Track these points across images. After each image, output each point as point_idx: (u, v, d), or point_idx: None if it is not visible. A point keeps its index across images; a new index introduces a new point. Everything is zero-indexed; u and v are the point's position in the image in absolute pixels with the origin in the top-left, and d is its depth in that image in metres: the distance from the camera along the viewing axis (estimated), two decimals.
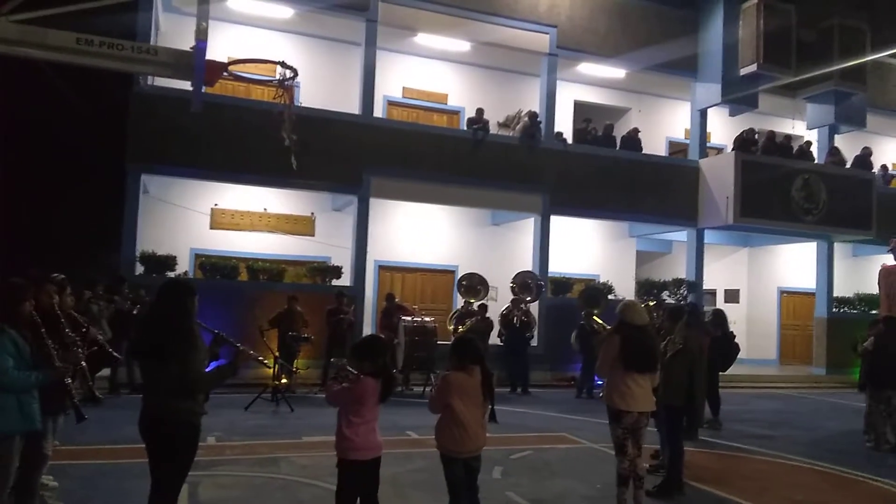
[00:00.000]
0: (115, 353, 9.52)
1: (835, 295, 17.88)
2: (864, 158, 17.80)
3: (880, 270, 13.19)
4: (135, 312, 10.43)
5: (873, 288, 17.73)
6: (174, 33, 13.73)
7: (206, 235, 14.61)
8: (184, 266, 13.59)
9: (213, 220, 14.68)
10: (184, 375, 3.75)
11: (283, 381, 10.59)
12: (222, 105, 13.01)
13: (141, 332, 4.02)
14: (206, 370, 3.95)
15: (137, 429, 3.89)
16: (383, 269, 15.92)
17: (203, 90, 9.55)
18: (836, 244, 18.08)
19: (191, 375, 3.78)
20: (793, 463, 7.88)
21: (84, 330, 5.10)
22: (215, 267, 13.01)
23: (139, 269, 12.53)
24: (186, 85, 8.21)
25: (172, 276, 12.34)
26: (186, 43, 7.91)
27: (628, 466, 5.55)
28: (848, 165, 17.66)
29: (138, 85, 12.72)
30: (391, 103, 16.57)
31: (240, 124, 12.94)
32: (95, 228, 16.89)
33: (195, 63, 7.55)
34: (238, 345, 4.11)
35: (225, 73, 8.83)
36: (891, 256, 13.53)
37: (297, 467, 6.67)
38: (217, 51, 11.94)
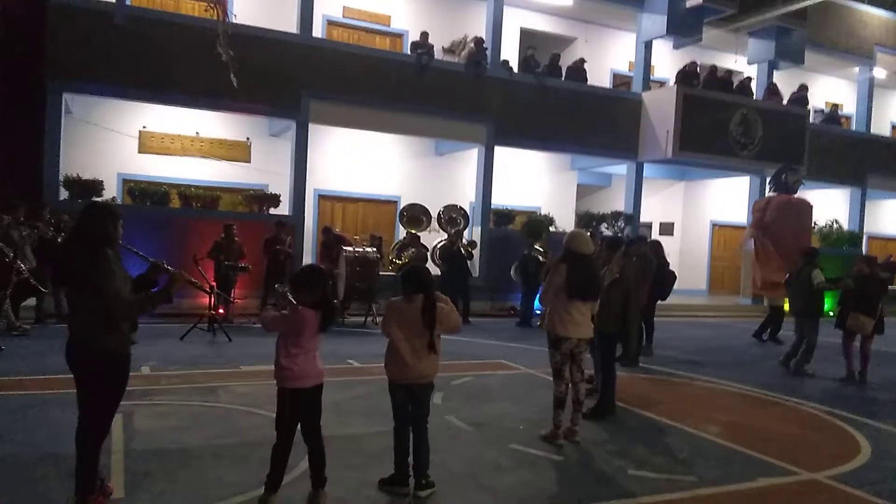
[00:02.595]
0: (37, 284, 9.20)
1: None
2: (800, 95, 18.19)
3: (779, 201, 13.13)
4: (59, 240, 9.91)
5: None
6: None
7: (135, 160, 13.92)
8: (111, 191, 12.98)
9: (141, 143, 13.96)
10: (103, 303, 3.57)
11: (220, 311, 10.37)
12: (150, 19, 12.23)
13: (59, 259, 3.76)
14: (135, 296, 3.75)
15: (65, 359, 3.73)
16: (323, 198, 15.60)
17: (127, 2, 8.94)
18: (767, 179, 18.62)
19: (109, 303, 3.58)
20: (718, 386, 8.26)
21: (8, 260, 4.78)
22: (145, 193, 12.45)
23: (63, 194, 11.88)
24: None
25: (99, 201, 11.77)
26: None
27: (565, 390, 5.70)
28: (784, 102, 18.03)
29: None
30: (331, 23, 15.86)
31: (169, 40, 12.19)
32: (13, 150, 15.86)
33: None
34: (170, 268, 3.91)
35: None
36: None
37: (237, 396, 6.59)
38: None
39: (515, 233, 14.51)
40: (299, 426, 4.07)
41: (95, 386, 3.71)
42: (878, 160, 20.17)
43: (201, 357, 8.41)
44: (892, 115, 23.74)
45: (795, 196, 13.28)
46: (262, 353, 4.09)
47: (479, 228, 15.16)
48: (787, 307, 10.99)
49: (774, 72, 18.62)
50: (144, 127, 13.93)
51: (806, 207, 13.18)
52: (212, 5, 8.20)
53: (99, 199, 11.81)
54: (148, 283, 3.89)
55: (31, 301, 10.04)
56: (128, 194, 12.89)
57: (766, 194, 16.01)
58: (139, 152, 13.95)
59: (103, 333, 3.64)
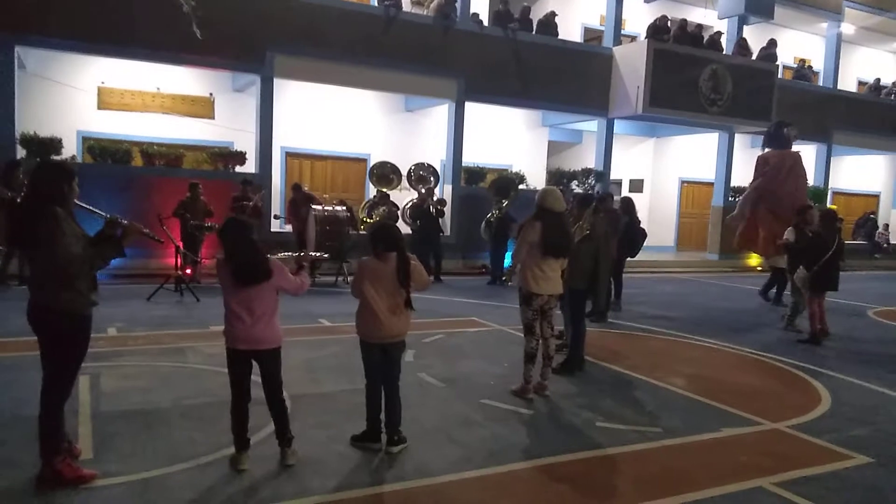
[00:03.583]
0: None
1: (732, 185, 18.75)
2: (769, 50, 18.23)
3: (792, 159, 12.96)
4: (18, 200, 9.58)
5: None
6: None
7: (94, 116, 13.47)
8: (71, 149, 12.57)
9: (100, 99, 13.49)
10: (55, 262, 3.47)
11: (188, 271, 10.21)
12: None
13: (11, 218, 3.64)
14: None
15: (27, 320, 3.65)
16: (290, 156, 15.33)
17: None
18: (736, 135, 18.76)
19: (60, 261, 3.48)
20: (685, 340, 8.42)
21: None
22: (105, 151, 12.08)
23: (21, 152, 11.46)
24: None
25: (59, 159, 11.40)
26: None
27: (535, 345, 5.75)
28: (753, 57, 18.06)
29: None
30: None
31: None
32: None
33: None
34: (123, 220, 3.80)
35: None
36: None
37: (205, 356, 6.52)
38: None
39: (486, 190, 14.45)
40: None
41: (55, 346, 3.65)
42: (843, 116, 20.42)
43: (169, 318, 8.30)
44: (859, 71, 23.98)
45: (789, 150, 13.20)
46: None
47: (451, 186, 15.07)
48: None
49: (744, 27, 18.59)
50: (103, 82, 13.45)
51: (799, 160, 13.12)
52: None
53: (59, 158, 11.44)
54: (106, 240, 3.78)
55: None
56: (88, 152, 12.51)
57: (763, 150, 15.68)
58: (98, 108, 13.50)
59: (59, 293, 3.56)
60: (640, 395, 5.98)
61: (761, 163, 12.97)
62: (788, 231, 9.04)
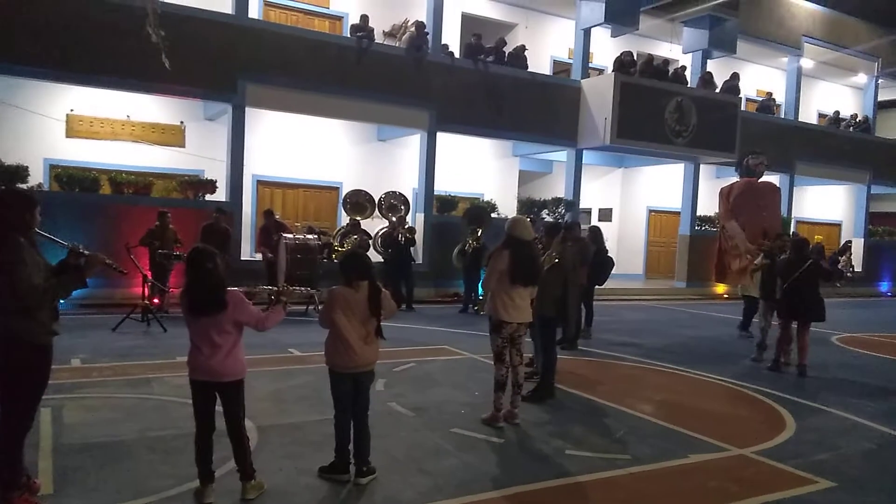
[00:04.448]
0: None
1: (698, 214, 19.14)
2: (733, 84, 18.77)
3: (744, 185, 13.18)
4: None
5: None
6: None
7: (62, 144, 13.30)
8: (37, 177, 12.38)
9: (68, 127, 13.35)
10: (14, 292, 3.42)
11: (155, 300, 10.07)
12: None
13: None
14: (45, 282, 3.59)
15: None
16: (262, 184, 15.28)
17: None
18: (701, 166, 19.20)
19: (19, 291, 3.42)
20: (655, 367, 8.52)
21: None
22: (73, 179, 11.91)
23: None
24: None
25: (24, 188, 11.23)
26: None
27: (506, 373, 5.77)
28: (717, 90, 18.58)
29: None
30: (268, 4, 15.51)
31: (96, 20, 11.64)
32: None
33: None
34: (85, 251, 3.76)
35: None
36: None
37: (172, 387, 6.41)
38: None
39: (458, 219, 14.55)
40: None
41: (14, 378, 3.57)
42: (805, 147, 21.04)
43: (135, 348, 8.16)
44: (819, 103, 24.79)
45: (760, 180, 13.48)
46: None
47: (423, 215, 15.14)
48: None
49: (708, 60, 19.15)
50: (72, 110, 13.32)
51: (769, 190, 13.35)
52: None
53: (25, 187, 11.27)
54: (69, 270, 3.74)
55: None
56: (55, 180, 12.33)
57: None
58: (67, 136, 13.34)
59: (18, 322, 3.49)
60: (610, 422, 6.02)
61: (721, 195, 13.32)
62: (759, 257, 9.23)
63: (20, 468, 3.70)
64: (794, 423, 6.20)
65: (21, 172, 11.34)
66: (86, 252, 3.77)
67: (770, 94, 21.47)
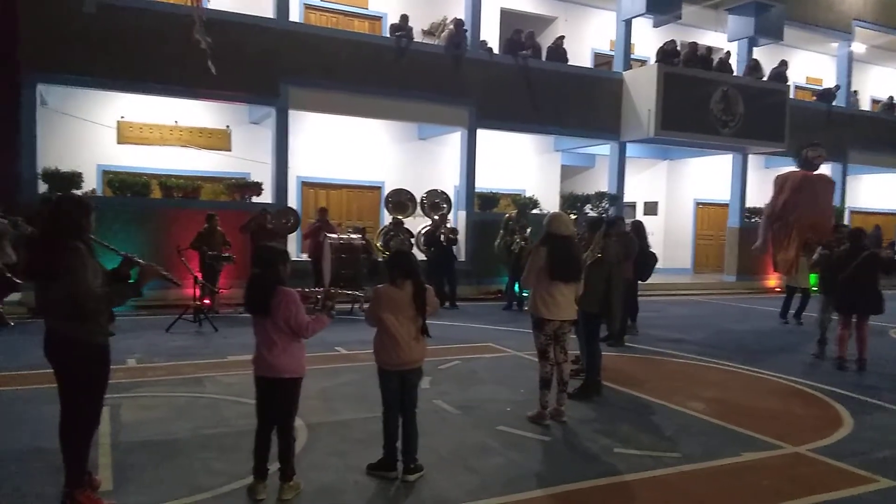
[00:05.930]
0: (16, 279, 9.13)
1: (747, 206, 18.66)
2: (780, 72, 18.25)
3: (797, 177, 12.83)
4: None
5: None
6: None
7: (114, 150, 13.73)
8: (91, 183, 12.82)
9: (119, 133, 13.77)
10: (74, 296, 3.54)
11: (206, 301, 10.32)
12: (122, 7, 11.99)
13: (30, 251, 3.73)
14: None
15: (44, 353, 3.71)
16: (306, 185, 15.50)
17: None
18: (749, 156, 18.72)
19: (81, 296, 3.55)
20: (704, 364, 8.35)
21: None
22: (125, 184, 12.29)
23: (42, 187, 11.71)
24: None
25: (79, 193, 11.63)
26: None
27: (550, 370, 5.74)
28: (764, 78, 18.08)
29: None
30: (308, 7, 15.70)
31: (142, 28, 11.99)
32: None
33: None
34: (140, 261, 3.89)
35: None
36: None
37: (223, 386, 6.57)
38: None
39: (500, 215, 14.51)
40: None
41: (75, 378, 3.70)
42: (858, 135, 20.31)
43: (187, 348, 8.38)
44: (872, 89, 23.90)
45: (815, 172, 13.05)
46: (249, 342, 4.09)
47: (464, 212, 15.14)
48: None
49: (755, 48, 18.64)
50: (122, 117, 13.74)
51: (823, 182, 12.88)
52: None
53: (77, 192, 11.67)
54: (122, 276, 3.87)
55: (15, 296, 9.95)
56: (108, 186, 12.74)
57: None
58: (118, 143, 13.76)
59: (77, 325, 3.62)
60: (659, 419, 5.93)
61: (775, 182, 12.93)
62: (818, 252, 8.95)
63: (85, 465, 3.84)
64: (851, 420, 6.01)
65: (76, 179, 11.75)
66: (140, 262, 3.89)
67: (828, 88, 20.72)
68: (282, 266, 4.07)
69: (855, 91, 21.64)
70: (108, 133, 13.63)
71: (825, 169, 19.64)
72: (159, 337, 8.99)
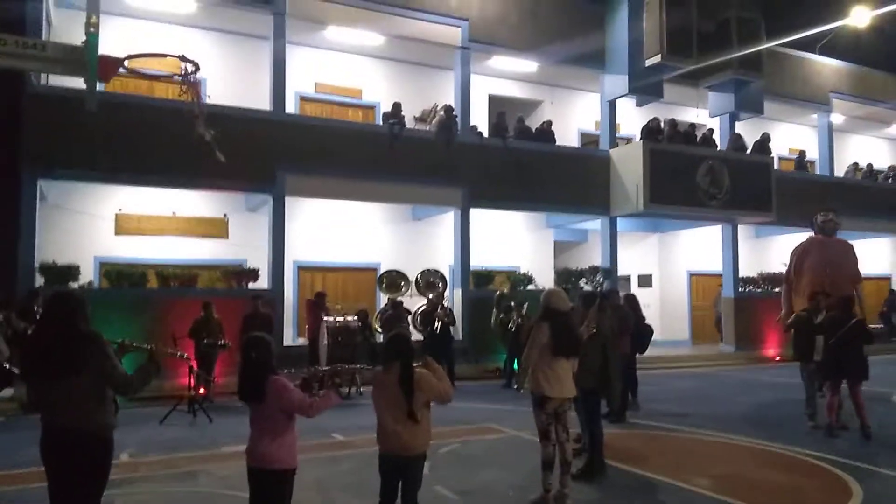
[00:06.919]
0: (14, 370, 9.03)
1: (740, 275, 18.79)
2: (763, 143, 18.78)
3: (808, 243, 13.03)
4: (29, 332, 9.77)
5: (775, 267, 18.86)
6: (68, 28, 12.89)
7: (111, 242, 13.87)
8: (88, 275, 12.88)
9: (117, 225, 13.96)
10: (106, 385, 3.66)
11: (202, 390, 10.19)
12: (122, 104, 12.41)
13: (41, 349, 3.75)
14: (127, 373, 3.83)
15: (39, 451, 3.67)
16: (303, 269, 15.59)
17: (99, 88, 9.13)
18: (739, 226, 18.99)
19: (115, 384, 3.68)
20: (708, 438, 8.22)
21: None
22: (122, 275, 12.38)
23: (39, 280, 11.77)
24: (83, 83, 7.73)
25: (76, 286, 11.69)
26: (80, 38, 7.45)
27: (552, 451, 5.64)
28: (748, 151, 18.57)
29: (31, 84, 11.96)
30: (304, 99, 16.23)
31: (142, 123, 12.35)
32: None
33: (87, 58, 7.13)
34: (146, 345, 4.01)
35: (123, 70, 8.38)
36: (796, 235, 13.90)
37: (217, 479, 6.42)
38: (115, 47, 11.32)
39: (493, 292, 14.58)
40: None
41: (87, 475, 3.65)
42: (843, 202, 20.64)
43: (182, 440, 8.22)
44: (852, 157, 24.50)
45: (831, 237, 13.17)
46: (244, 432, 4.03)
47: (460, 290, 15.20)
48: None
49: (736, 122, 19.25)
50: (120, 209, 13.95)
51: (838, 246, 12.91)
52: (185, 89, 8.35)
53: (76, 285, 11.73)
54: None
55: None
56: (105, 277, 12.81)
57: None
58: (116, 234, 13.93)
59: (96, 416, 3.65)
60: (665, 498, 5.81)
61: (797, 251, 12.95)
62: (794, 315, 8.99)
63: None
64: (860, 491, 5.88)
65: (73, 272, 11.84)
66: (146, 346, 4.04)
67: (803, 151, 21.35)
68: (269, 353, 4.06)
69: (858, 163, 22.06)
70: (106, 225, 13.81)
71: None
72: (154, 429, 8.83)
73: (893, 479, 6.32)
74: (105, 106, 12.09)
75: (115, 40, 11.18)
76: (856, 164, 22.58)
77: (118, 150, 12.20)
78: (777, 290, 17.63)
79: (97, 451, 3.65)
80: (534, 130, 16.89)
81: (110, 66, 7.64)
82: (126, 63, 8.12)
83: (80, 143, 11.95)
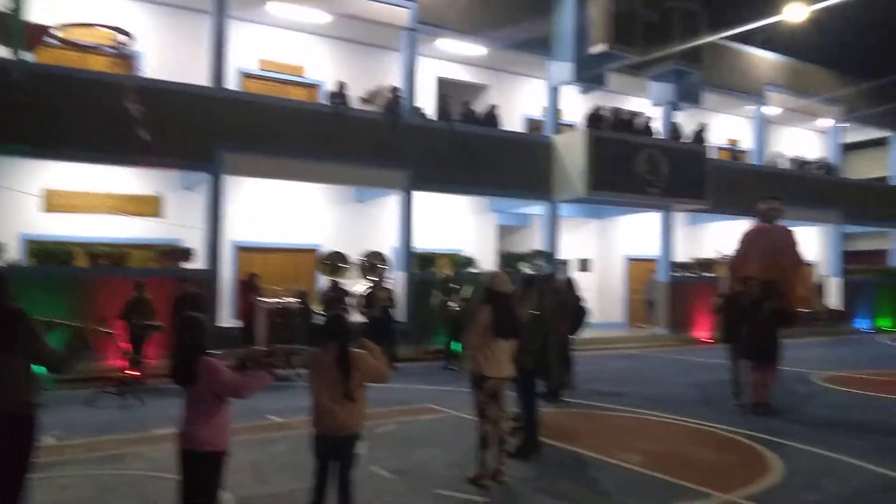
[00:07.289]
0: None
1: (675, 260, 19.35)
2: (699, 134, 19.30)
3: (752, 231, 13.49)
4: None
5: (709, 253, 19.57)
6: None
7: (40, 220, 13.23)
8: (14, 254, 12.28)
9: (46, 202, 13.33)
10: (37, 361, 3.61)
11: (135, 372, 9.89)
12: (51, 75, 11.79)
13: None
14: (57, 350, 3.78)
15: None
16: (242, 250, 15.26)
17: (28, 58, 8.70)
18: (675, 213, 19.52)
19: (46, 360, 3.62)
20: (641, 416, 8.46)
21: None
22: (49, 253, 11.87)
23: None
24: (7, 52, 7.34)
25: (1, 264, 11.15)
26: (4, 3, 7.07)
27: (489, 430, 5.71)
28: (685, 141, 19.06)
29: None
30: (247, 76, 15.79)
31: (73, 96, 11.80)
32: None
33: (10, 23, 6.78)
34: (76, 323, 3.93)
35: (54, 40, 8.00)
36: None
37: (146, 461, 6.26)
38: (46, 16, 10.78)
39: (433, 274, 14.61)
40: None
41: (17, 457, 3.57)
42: (773, 191, 21.41)
43: (110, 423, 7.97)
44: (785, 148, 25.46)
45: (759, 224, 13.51)
46: (176, 414, 3.93)
47: (402, 272, 15.16)
48: None
49: (676, 112, 19.71)
50: (49, 185, 13.34)
51: (781, 233, 13.26)
52: (118, 61, 8.04)
53: (1, 263, 11.19)
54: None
55: None
56: (32, 256, 12.26)
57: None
58: (45, 211, 13.31)
59: (23, 396, 3.57)
60: (597, 474, 5.95)
61: (759, 233, 13.22)
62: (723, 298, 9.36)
63: None
64: (781, 466, 6.16)
65: None
66: (75, 324, 3.96)
67: (736, 142, 22.06)
68: (202, 334, 3.97)
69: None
70: (33, 201, 13.17)
71: (743, 223, 20.66)
72: (80, 412, 8.53)
73: (811, 454, 6.64)
74: (33, 77, 11.53)
75: (46, 9, 10.64)
76: (780, 154, 23.53)
77: (46, 123, 11.62)
78: (712, 275, 18.28)
79: (22, 430, 3.55)
80: (480, 114, 16.90)
81: (37, 33, 7.30)
82: (57, 33, 7.75)
83: (6, 115, 11.34)
